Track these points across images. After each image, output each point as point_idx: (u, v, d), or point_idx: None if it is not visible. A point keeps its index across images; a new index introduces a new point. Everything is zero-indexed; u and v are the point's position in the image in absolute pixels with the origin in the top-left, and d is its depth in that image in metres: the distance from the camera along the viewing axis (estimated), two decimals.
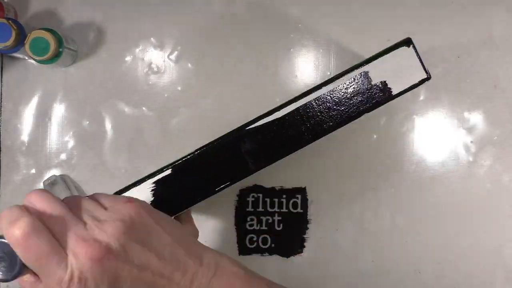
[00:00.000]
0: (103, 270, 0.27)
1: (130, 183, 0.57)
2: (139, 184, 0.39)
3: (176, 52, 0.58)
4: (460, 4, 0.56)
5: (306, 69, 0.57)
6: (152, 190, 0.39)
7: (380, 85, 0.38)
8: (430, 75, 0.38)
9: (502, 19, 0.56)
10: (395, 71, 0.38)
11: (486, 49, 0.56)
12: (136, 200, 0.32)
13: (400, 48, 0.38)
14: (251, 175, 0.39)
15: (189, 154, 0.38)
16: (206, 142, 0.57)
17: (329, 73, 0.57)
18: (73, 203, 0.31)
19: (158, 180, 0.39)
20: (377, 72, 0.38)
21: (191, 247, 0.32)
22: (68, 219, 0.28)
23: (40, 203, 0.29)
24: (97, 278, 0.27)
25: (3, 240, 0.28)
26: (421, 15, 0.56)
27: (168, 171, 0.38)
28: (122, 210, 0.30)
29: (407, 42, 0.38)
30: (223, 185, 0.38)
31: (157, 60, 0.58)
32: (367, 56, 0.57)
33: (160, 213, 0.33)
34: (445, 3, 0.56)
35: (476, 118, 0.56)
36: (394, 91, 0.38)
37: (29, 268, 0.28)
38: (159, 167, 0.57)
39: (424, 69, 0.38)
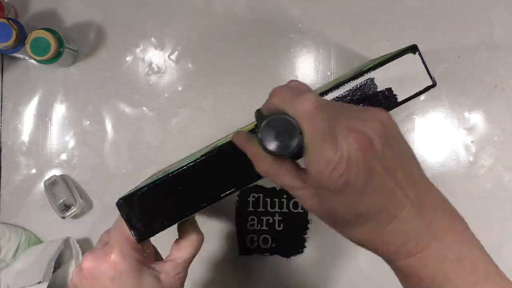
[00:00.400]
0: (364, 159, 0.29)
1: (131, 183, 0.57)
2: (144, 189, 0.39)
3: (176, 52, 0.58)
4: (460, 4, 0.56)
5: (306, 69, 0.57)
6: (157, 196, 0.39)
7: (386, 92, 0.38)
8: (435, 82, 0.38)
9: (502, 19, 0.56)
10: (400, 77, 0.38)
11: (486, 49, 0.56)
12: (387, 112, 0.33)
13: (406, 55, 0.38)
14: (257, 181, 0.38)
15: (195, 160, 0.38)
16: (206, 142, 0.57)
17: (329, 73, 0.57)
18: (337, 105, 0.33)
19: (164, 185, 0.38)
20: (383, 79, 0.38)
21: (423, 173, 0.32)
22: (341, 111, 0.31)
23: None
24: (359, 165, 0.29)
25: (285, 116, 0.30)
26: (421, 15, 0.56)
27: (174, 177, 0.38)
28: (377, 115, 0.31)
29: (413, 48, 0.38)
30: (228, 191, 0.38)
31: (157, 60, 0.58)
32: (368, 56, 0.57)
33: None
34: (445, 3, 0.56)
35: (476, 118, 0.56)
36: (400, 98, 0.38)
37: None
38: (159, 168, 0.58)
39: (430, 76, 0.38)
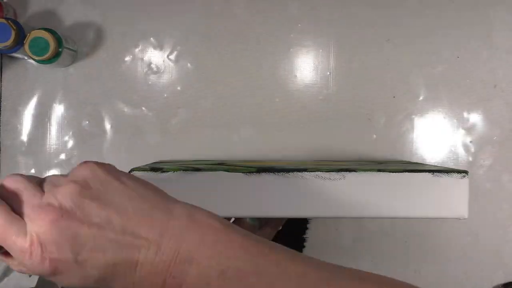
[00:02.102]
0: (60, 231, 0.27)
1: None
2: None
3: (175, 52, 0.58)
4: (460, 4, 0.56)
5: (305, 69, 0.57)
6: None
7: None
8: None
9: (502, 19, 0.56)
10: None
11: (486, 49, 0.56)
12: (95, 162, 0.31)
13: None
14: None
15: None
16: (206, 142, 0.57)
17: (328, 73, 0.57)
18: (43, 179, 0.31)
19: None
20: None
21: (159, 201, 0.30)
22: (28, 192, 0.29)
23: (8, 183, 0.30)
24: (56, 239, 0.27)
25: None
26: (420, 15, 0.56)
27: None
28: (76, 172, 0.30)
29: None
30: None
31: (156, 60, 0.58)
32: (367, 56, 0.57)
33: (123, 172, 0.32)
34: (445, 3, 0.56)
35: (475, 118, 0.56)
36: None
37: None
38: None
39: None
